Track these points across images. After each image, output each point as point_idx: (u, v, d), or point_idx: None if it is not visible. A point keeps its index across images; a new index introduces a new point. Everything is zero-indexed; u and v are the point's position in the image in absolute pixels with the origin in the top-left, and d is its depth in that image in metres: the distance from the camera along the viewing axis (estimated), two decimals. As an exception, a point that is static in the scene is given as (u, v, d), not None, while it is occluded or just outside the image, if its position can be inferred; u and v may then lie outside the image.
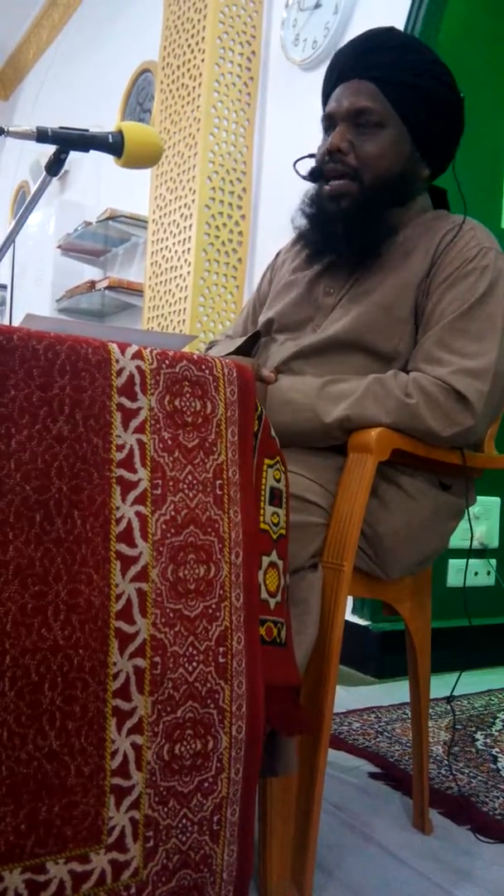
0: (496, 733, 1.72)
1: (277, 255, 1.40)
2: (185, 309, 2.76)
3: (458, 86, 1.14)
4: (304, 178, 1.17)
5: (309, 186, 1.18)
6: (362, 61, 1.11)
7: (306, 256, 1.25)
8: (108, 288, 3.40)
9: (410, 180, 1.14)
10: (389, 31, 1.14)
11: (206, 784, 0.75)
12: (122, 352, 0.73)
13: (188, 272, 2.75)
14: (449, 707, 1.86)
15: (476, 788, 1.41)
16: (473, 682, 2.12)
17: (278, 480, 0.85)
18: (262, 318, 1.29)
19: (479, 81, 2.40)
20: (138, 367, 0.74)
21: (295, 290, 1.23)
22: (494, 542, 2.47)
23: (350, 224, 1.11)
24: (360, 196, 1.10)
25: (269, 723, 0.81)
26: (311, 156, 1.18)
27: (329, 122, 1.15)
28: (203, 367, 0.78)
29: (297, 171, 1.17)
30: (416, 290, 1.11)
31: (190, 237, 2.76)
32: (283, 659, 0.84)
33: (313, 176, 1.15)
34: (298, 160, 1.20)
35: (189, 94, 2.84)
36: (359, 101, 1.09)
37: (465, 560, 1.34)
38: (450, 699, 1.27)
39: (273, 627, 0.82)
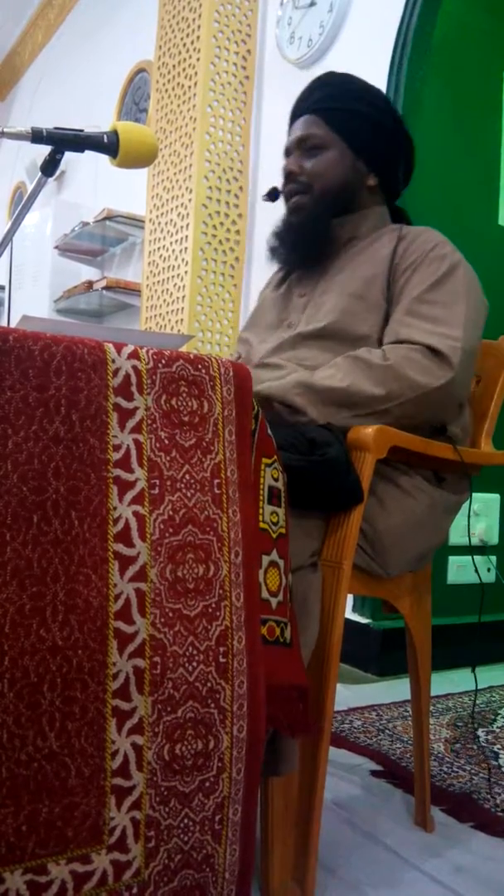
0: (497, 730, 1.72)
1: (264, 288, 1.50)
2: (182, 308, 2.76)
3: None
4: (264, 199, 1.36)
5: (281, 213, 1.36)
6: (308, 100, 1.30)
7: (281, 277, 1.40)
8: (106, 288, 3.40)
9: (355, 187, 1.29)
10: (331, 73, 1.34)
11: (207, 784, 0.75)
12: (118, 352, 0.73)
13: (186, 271, 2.75)
14: (449, 705, 1.86)
15: (477, 785, 1.41)
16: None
17: (276, 479, 0.85)
18: (245, 336, 1.39)
19: (474, 78, 2.39)
20: (134, 367, 0.74)
21: (274, 304, 1.36)
22: (494, 539, 2.47)
23: (301, 230, 1.29)
24: (312, 206, 1.28)
25: (272, 723, 0.81)
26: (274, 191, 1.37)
27: (286, 153, 1.33)
28: (199, 366, 0.78)
29: (263, 200, 1.38)
30: (384, 278, 1.20)
31: (187, 236, 2.76)
32: (287, 659, 0.83)
33: (269, 196, 1.35)
34: (263, 196, 1.39)
35: (185, 94, 2.83)
36: (304, 131, 1.29)
37: (470, 556, 1.34)
38: (475, 690, 1.27)
39: (275, 627, 0.82)
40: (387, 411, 1.06)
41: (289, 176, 1.31)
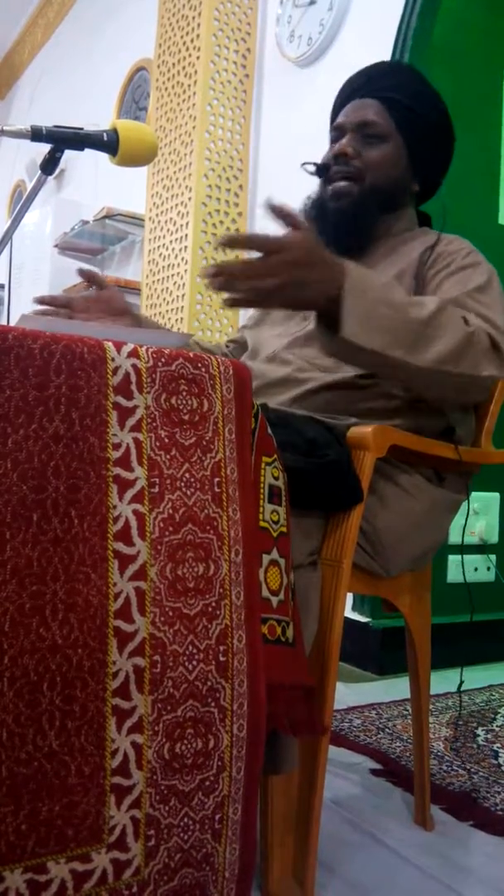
0: (497, 728, 1.72)
1: None
2: (182, 307, 2.76)
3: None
4: (311, 173, 1.26)
5: (310, 190, 1.28)
6: (372, 83, 1.24)
7: None
8: (106, 287, 3.39)
9: (402, 190, 1.26)
10: (399, 63, 1.31)
11: (207, 782, 0.75)
12: (118, 350, 0.73)
13: (185, 270, 2.75)
14: (449, 703, 1.86)
15: (477, 784, 1.41)
16: (474, 677, 2.12)
17: (276, 478, 0.85)
18: (254, 324, 1.34)
19: (474, 76, 2.39)
20: (134, 366, 0.74)
21: None
22: (494, 538, 2.47)
23: (342, 220, 1.21)
24: (358, 196, 1.21)
25: (274, 722, 0.81)
26: (314, 164, 1.28)
27: (337, 132, 1.26)
28: (199, 365, 0.78)
29: (305, 170, 1.27)
30: (411, 277, 1.17)
31: (187, 235, 2.75)
32: (290, 658, 0.83)
33: (320, 172, 1.25)
34: (304, 164, 1.28)
35: (185, 92, 2.83)
36: (366, 115, 1.22)
37: (472, 555, 1.35)
38: (459, 692, 1.27)
39: (276, 626, 0.82)
40: (431, 372, 0.98)
41: (340, 157, 1.22)
